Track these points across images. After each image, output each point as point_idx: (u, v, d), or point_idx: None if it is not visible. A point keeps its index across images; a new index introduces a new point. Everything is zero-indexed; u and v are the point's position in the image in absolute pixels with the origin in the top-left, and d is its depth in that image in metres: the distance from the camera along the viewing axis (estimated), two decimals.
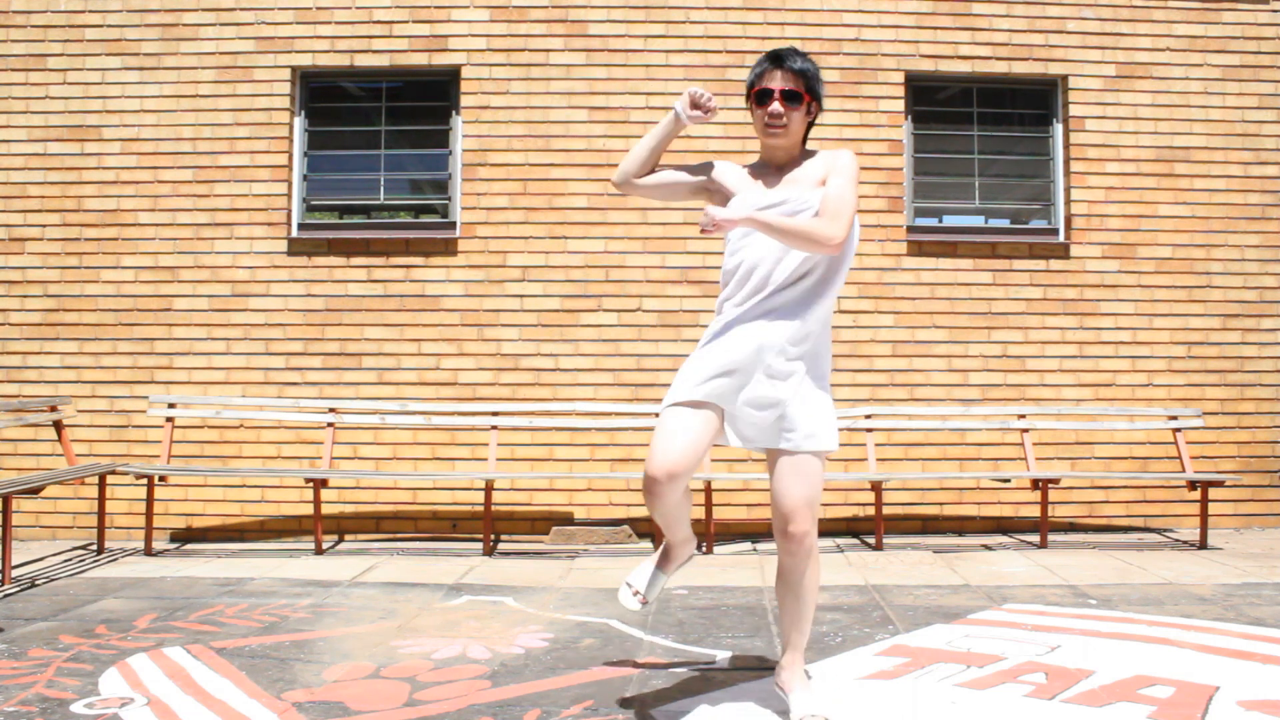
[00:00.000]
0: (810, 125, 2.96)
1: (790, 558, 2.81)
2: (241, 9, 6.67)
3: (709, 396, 2.78)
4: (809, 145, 3.00)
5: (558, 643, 3.82)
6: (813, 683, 3.08)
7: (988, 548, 6.13)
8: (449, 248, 6.64)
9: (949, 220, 7.02)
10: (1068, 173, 6.85)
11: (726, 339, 2.81)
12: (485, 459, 6.34)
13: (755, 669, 3.44)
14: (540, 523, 6.55)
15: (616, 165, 6.94)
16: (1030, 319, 6.76)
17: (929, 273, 6.74)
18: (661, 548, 3.12)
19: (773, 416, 2.80)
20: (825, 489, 6.51)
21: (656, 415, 6.31)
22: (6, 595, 4.70)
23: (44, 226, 6.60)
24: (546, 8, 6.70)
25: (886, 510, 6.42)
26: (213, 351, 6.58)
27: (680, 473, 2.72)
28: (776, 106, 2.83)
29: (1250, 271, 6.85)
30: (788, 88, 2.83)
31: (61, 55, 6.66)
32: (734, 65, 6.68)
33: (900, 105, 6.78)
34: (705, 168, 3.02)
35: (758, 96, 2.86)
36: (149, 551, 5.90)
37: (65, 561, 5.69)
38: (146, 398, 6.36)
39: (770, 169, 2.94)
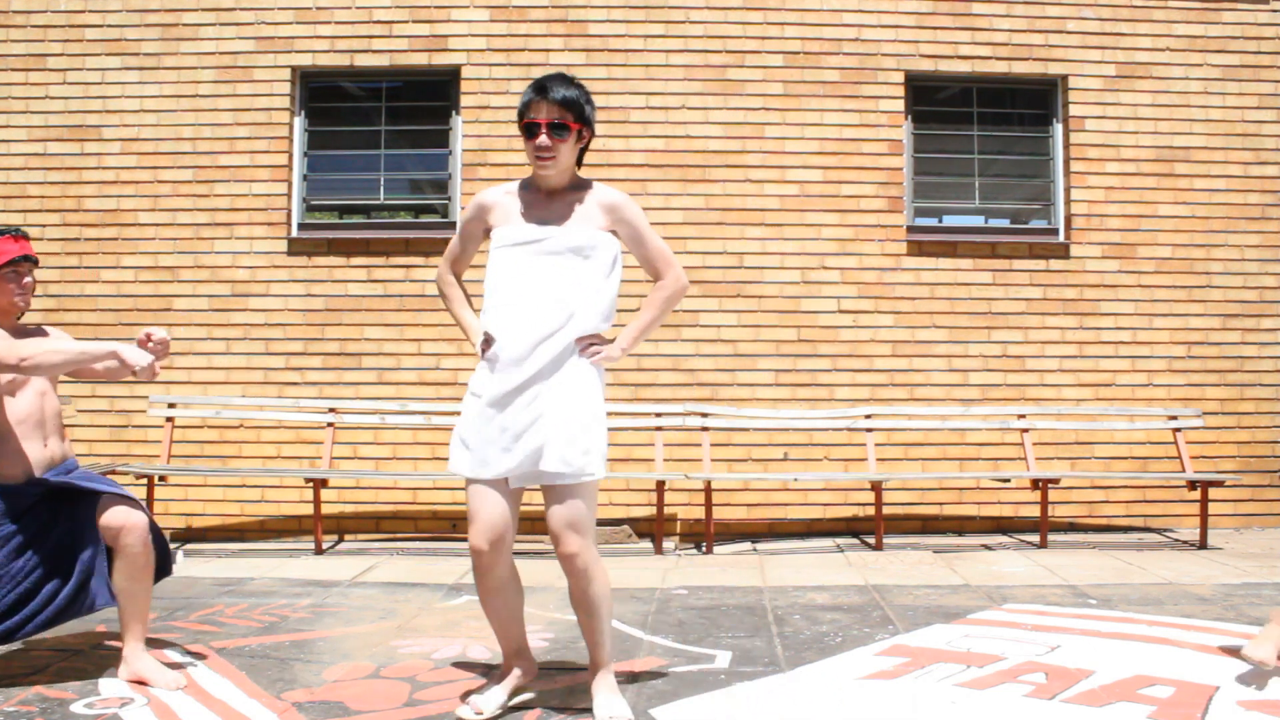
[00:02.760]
0: (584, 150, 3.01)
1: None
2: (241, 9, 6.67)
3: None
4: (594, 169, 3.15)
5: (558, 643, 3.82)
6: (615, 682, 3.01)
7: (988, 548, 6.13)
8: None
9: (949, 220, 7.02)
10: (1068, 173, 6.85)
11: None
12: None
13: (755, 669, 3.44)
14: (540, 522, 6.52)
15: (616, 164, 6.96)
16: (1030, 319, 6.76)
17: (929, 273, 6.74)
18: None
19: None
20: (827, 488, 6.59)
21: (657, 415, 6.35)
22: None
23: (44, 226, 6.60)
24: (546, 8, 6.70)
25: (886, 510, 6.42)
26: (213, 351, 6.58)
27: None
28: (544, 139, 2.86)
29: (1250, 271, 6.85)
30: (554, 119, 2.85)
31: (61, 55, 6.66)
32: (734, 65, 6.68)
33: (900, 105, 6.77)
34: (480, 214, 3.06)
35: (525, 130, 2.89)
36: None
37: None
38: (146, 397, 6.36)
39: (540, 193, 2.99)
